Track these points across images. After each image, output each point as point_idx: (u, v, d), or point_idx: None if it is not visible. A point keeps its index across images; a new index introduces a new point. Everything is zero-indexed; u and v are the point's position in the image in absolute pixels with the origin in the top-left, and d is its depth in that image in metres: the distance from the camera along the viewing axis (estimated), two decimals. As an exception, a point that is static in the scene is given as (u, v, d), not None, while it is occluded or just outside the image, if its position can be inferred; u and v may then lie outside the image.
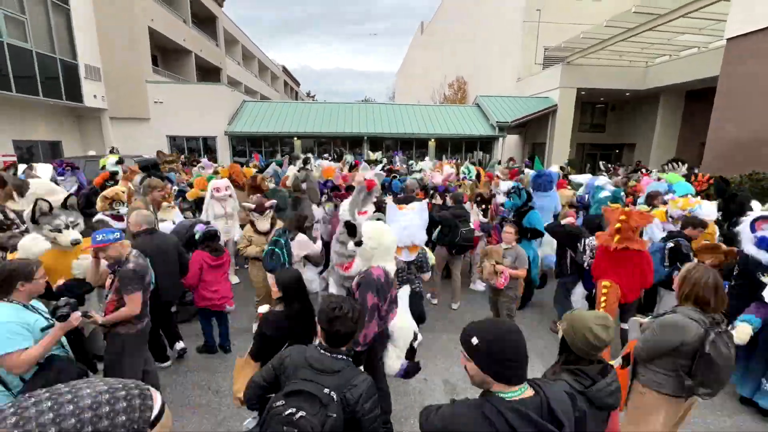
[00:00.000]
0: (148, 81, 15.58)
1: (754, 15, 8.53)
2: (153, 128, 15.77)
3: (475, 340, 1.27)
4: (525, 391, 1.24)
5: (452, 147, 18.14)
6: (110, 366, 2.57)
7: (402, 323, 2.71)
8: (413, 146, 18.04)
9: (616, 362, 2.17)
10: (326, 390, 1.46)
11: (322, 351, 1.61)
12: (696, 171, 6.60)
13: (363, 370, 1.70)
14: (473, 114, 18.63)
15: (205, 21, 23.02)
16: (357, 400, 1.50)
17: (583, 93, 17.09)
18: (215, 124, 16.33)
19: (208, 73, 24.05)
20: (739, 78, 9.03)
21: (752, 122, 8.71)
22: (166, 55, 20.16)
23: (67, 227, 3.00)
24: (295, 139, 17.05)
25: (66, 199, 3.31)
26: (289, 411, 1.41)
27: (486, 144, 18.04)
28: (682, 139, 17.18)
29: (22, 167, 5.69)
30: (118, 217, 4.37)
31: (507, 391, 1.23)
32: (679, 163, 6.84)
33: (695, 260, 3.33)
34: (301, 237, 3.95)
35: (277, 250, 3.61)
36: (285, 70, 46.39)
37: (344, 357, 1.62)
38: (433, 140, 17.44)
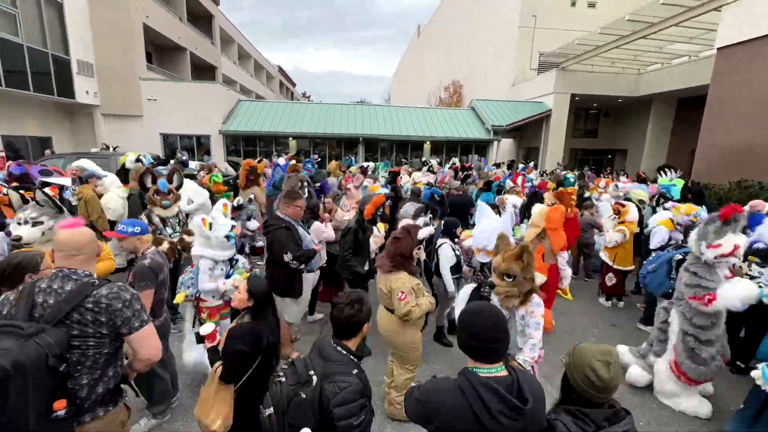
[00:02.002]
0: (142, 78, 15.42)
1: (744, 26, 8.71)
2: (146, 126, 15.60)
3: (457, 320, 1.46)
4: (500, 371, 1.35)
5: (447, 150, 18.21)
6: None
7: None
8: (408, 148, 18.08)
9: None
10: (311, 372, 1.52)
11: (332, 341, 1.65)
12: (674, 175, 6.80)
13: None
14: (468, 117, 18.74)
15: (200, 19, 22.85)
16: (330, 398, 1.44)
17: (576, 99, 17.29)
18: (210, 123, 16.21)
19: (203, 71, 23.87)
20: (729, 87, 9.20)
21: (741, 131, 8.87)
22: (160, 52, 19.97)
23: (26, 222, 3.01)
24: (291, 139, 17.00)
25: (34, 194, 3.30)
26: (278, 373, 1.59)
27: (481, 147, 18.14)
28: (673, 146, 17.45)
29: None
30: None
31: (482, 368, 1.34)
32: (672, 170, 6.95)
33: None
34: (316, 224, 4.02)
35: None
36: (281, 70, 46.25)
37: (346, 352, 1.60)
38: (428, 143, 17.50)
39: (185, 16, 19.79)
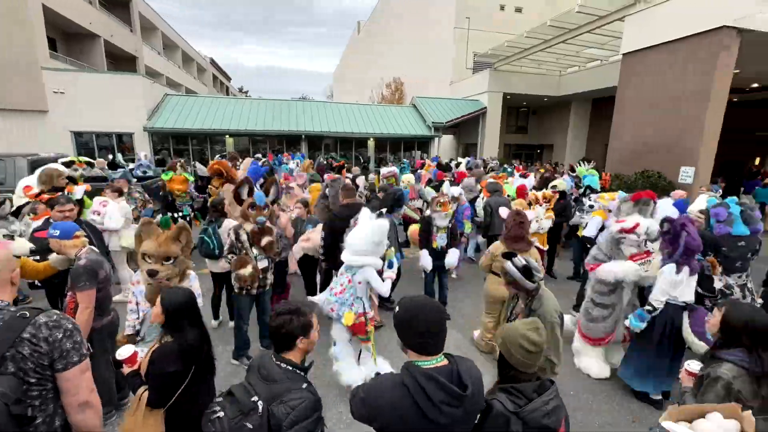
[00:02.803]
0: (44, 68, 13.47)
1: (644, 34, 9.94)
2: (53, 122, 13.68)
3: (396, 313, 1.43)
4: (441, 362, 1.38)
5: (391, 147, 18.45)
6: None
7: None
8: (353, 145, 18.01)
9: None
10: (254, 398, 1.37)
11: (273, 356, 1.52)
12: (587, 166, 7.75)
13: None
14: (410, 114, 19.14)
15: (116, 4, 20.56)
16: (282, 419, 1.33)
17: (508, 97, 18.48)
18: (131, 119, 14.65)
19: (122, 61, 21.54)
20: (632, 88, 10.45)
21: (642, 127, 10.14)
22: (67, 39, 17.63)
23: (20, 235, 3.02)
24: (227, 137, 16.02)
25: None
26: (215, 408, 1.40)
27: (423, 144, 18.65)
28: (590, 141, 19.47)
29: None
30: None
31: (423, 361, 1.37)
32: (586, 162, 7.77)
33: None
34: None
35: (206, 238, 3.83)
36: (213, 62, 43.33)
37: (290, 368, 1.48)
38: (372, 140, 17.58)
39: (96, -1, 17.69)
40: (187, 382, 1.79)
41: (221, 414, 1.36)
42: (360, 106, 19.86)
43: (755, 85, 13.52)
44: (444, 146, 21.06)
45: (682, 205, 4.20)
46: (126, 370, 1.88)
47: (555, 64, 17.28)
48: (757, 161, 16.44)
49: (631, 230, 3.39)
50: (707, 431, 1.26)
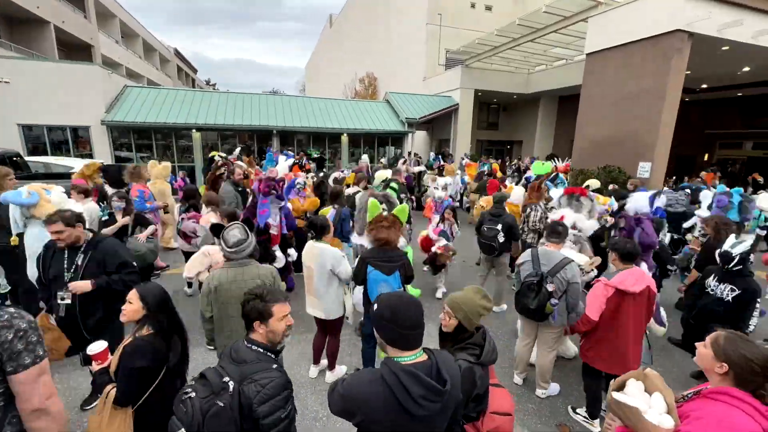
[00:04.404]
0: (-15, 55, 12.38)
1: (605, 35, 10.40)
2: (-3, 114, 12.63)
3: (375, 311, 1.44)
4: (420, 357, 1.40)
5: (365, 142, 18.37)
6: None
7: None
8: (326, 141, 17.79)
9: None
10: (225, 378, 1.43)
11: (244, 340, 1.59)
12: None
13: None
14: (384, 110, 19.11)
15: (67, -13, 19.17)
16: (252, 397, 1.39)
17: (479, 94, 18.85)
18: (88, 112, 13.73)
19: (76, 50, 20.16)
20: (594, 87, 10.93)
21: (603, 125, 10.65)
22: (12, 25, 16.28)
23: None
24: (194, 131, 15.38)
25: None
26: (187, 390, 1.44)
27: (396, 139, 18.70)
28: (557, 137, 20.23)
29: None
30: None
31: (402, 356, 1.39)
32: (557, 159, 8.15)
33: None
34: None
35: None
36: (178, 53, 41.33)
37: (261, 350, 1.55)
38: (345, 135, 17.43)
39: (44, -19, 16.38)
40: (159, 379, 1.73)
41: (192, 395, 1.40)
42: (333, 101, 19.61)
43: (704, 86, 14.51)
44: (418, 142, 21.23)
45: (652, 199, 4.53)
46: (95, 367, 1.79)
47: (524, 63, 17.78)
48: (706, 157, 17.71)
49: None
50: (633, 395, 1.48)
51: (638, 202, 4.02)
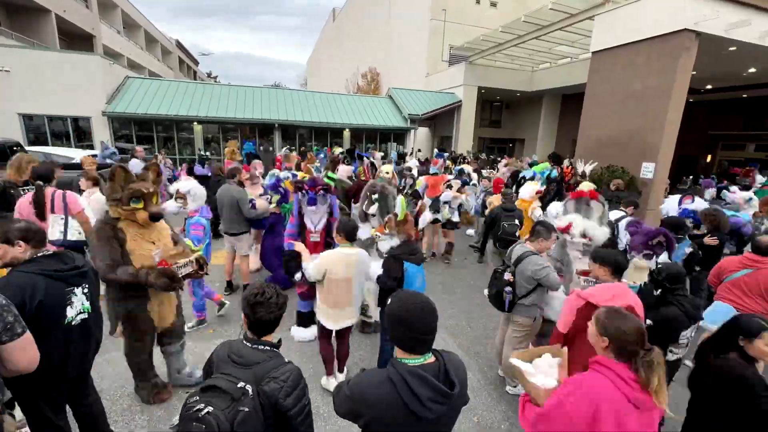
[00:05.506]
0: (-15, 43, 12.28)
1: (612, 33, 10.30)
2: (-3, 103, 12.55)
3: (389, 309, 1.41)
4: (429, 358, 1.39)
5: (367, 137, 18.29)
6: None
7: None
8: (328, 136, 17.71)
9: None
10: (240, 384, 1.38)
11: (244, 342, 1.54)
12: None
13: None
14: (386, 105, 19.01)
15: (68, -25, 18.97)
16: (276, 394, 1.38)
17: (482, 91, 18.74)
18: (89, 103, 13.66)
19: (77, 40, 20.02)
20: (600, 86, 10.85)
21: (608, 124, 10.58)
22: (12, 13, 16.14)
23: None
24: (195, 124, 15.30)
25: None
26: (199, 407, 1.34)
27: (399, 136, 18.62)
28: (560, 136, 20.15)
29: None
30: None
31: (410, 358, 1.36)
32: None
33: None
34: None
35: None
36: (180, 45, 41.07)
37: (268, 348, 1.53)
38: (348, 130, 17.35)
39: (46, -31, 16.23)
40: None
41: (209, 409, 1.31)
42: (335, 96, 19.50)
43: (709, 86, 14.42)
44: (420, 138, 21.15)
45: (680, 201, 4.50)
46: None
47: (528, 60, 17.65)
48: (709, 158, 17.65)
49: (564, 230, 3.41)
50: (540, 365, 1.79)
51: (669, 204, 4.18)
